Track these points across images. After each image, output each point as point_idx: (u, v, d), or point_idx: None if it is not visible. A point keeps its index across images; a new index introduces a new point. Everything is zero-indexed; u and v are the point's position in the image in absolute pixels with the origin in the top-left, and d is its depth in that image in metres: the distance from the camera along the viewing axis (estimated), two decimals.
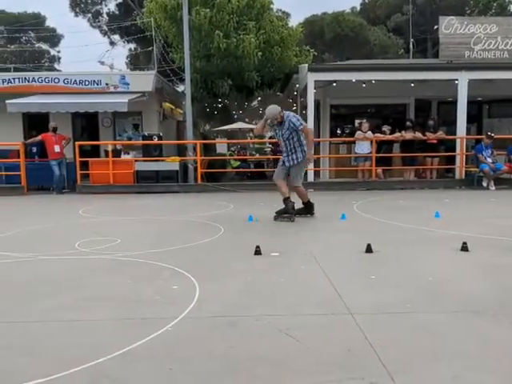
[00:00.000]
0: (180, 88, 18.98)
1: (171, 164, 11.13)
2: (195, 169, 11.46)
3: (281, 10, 24.66)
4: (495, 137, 10.96)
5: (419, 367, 2.05)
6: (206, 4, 12.63)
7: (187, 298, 3.00)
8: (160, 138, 11.52)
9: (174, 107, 15.55)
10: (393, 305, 2.83)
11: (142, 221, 6.73)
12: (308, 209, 6.56)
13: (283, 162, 6.30)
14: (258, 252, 4.27)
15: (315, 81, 11.55)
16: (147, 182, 10.93)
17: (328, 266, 3.78)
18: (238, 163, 15.87)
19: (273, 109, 6.11)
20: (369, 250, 4.26)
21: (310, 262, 3.99)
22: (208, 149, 16.11)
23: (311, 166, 5.85)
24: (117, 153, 11.50)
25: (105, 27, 29.25)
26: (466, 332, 2.42)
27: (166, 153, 12.00)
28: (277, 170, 6.48)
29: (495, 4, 26.69)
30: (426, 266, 3.81)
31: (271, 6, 14.12)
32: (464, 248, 4.20)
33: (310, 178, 11.98)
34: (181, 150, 13.31)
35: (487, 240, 4.75)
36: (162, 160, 11.20)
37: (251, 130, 28.75)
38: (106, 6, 30.46)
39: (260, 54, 12.75)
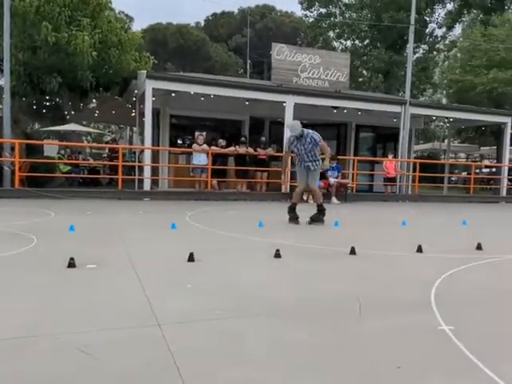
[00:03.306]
0: None
1: None
2: (13, 172, 10.17)
3: (123, 13, 23.87)
4: None
5: (215, 373, 2.10)
6: None
7: None
8: None
9: None
10: (202, 312, 2.87)
11: None
12: (321, 213, 7.42)
13: (307, 166, 7.33)
14: (71, 264, 3.93)
15: (154, 88, 11.42)
16: None
17: (146, 277, 3.67)
18: (69, 168, 14.66)
19: (296, 124, 7.31)
20: (191, 258, 4.29)
21: (128, 273, 3.83)
22: (33, 150, 14.47)
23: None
24: None
25: None
26: (265, 334, 2.58)
27: None
28: (300, 179, 7.53)
29: (321, 38, 30.28)
30: (242, 273, 3.99)
31: (109, 5, 13.49)
32: (277, 255, 4.55)
33: (147, 186, 11.72)
34: None
35: (299, 248, 5.25)
36: None
37: (88, 133, 26.84)
38: None
39: (95, 53, 12.02)
